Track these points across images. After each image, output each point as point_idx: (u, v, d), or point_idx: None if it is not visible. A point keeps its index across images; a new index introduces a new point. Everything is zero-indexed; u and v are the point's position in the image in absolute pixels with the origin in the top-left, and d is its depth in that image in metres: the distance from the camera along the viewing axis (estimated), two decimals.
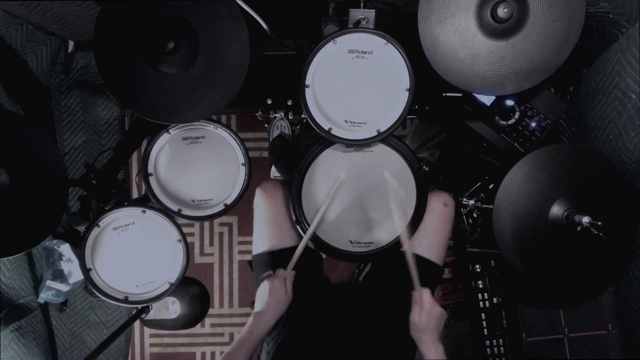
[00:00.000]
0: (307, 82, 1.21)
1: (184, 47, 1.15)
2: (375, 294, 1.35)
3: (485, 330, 1.86)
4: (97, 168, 1.46)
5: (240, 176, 1.40)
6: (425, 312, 1.07)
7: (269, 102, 1.51)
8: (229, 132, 1.38)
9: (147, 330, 2.21)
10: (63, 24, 1.69)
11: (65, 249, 1.95)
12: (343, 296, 1.44)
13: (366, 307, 1.32)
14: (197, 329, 2.18)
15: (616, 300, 1.57)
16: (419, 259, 1.28)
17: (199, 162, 1.40)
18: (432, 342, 1.06)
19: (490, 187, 1.78)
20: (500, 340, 1.85)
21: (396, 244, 1.30)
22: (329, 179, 1.31)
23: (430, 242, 1.31)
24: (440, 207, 1.32)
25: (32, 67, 1.83)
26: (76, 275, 1.97)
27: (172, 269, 1.36)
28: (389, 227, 1.31)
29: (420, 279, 1.14)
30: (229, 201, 1.40)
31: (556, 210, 1.21)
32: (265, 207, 1.37)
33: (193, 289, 2.08)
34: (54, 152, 1.22)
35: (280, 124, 1.56)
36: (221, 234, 2.23)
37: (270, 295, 1.14)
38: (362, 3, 1.31)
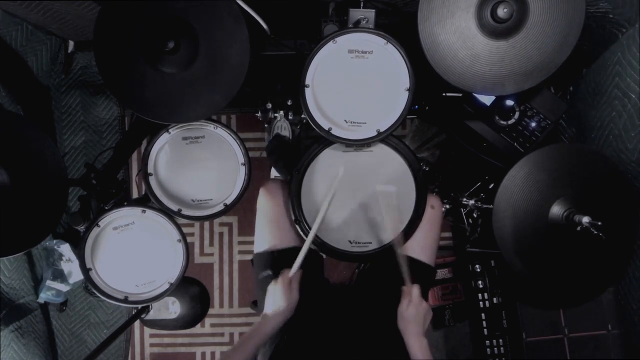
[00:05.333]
0: (307, 82, 1.21)
1: (184, 47, 1.15)
2: (371, 294, 1.35)
3: (485, 330, 1.86)
4: (97, 168, 1.46)
5: (240, 176, 1.40)
6: (413, 305, 1.12)
7: (269, 106, 1.51)
8: (229, 132, 1.38)
9: (147, 330, 2.21)
10: (63, 24, 1.69)
11: (65, 249, 1.95)
12: (341, 297, 1.44)
13: (363, 308, 1.32)
14: (197, 329, 2.18)
15: (616, 300, 1.57)
16: (411, 260, 1.29)
17: (199, 162, 1.40)
18: (416, 334, 1.10)
19: (490, 187, 1.78)
20: (500, 340, 1.85)
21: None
22: (328, 178, 1.31)
23: (420, 245, 1.32)
24: (427, 209, 1.33)
25: (32, 67, 1.83)
26: (76, 275, 1.97)
27: (172, 269, 1.36)
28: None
29: (414, 280, 1.18)
30: (229, 201, 1.40)
31: (556, 210, 1.21)
32: (268, 206, 1.37)
33: (193, 289, 2.07)
34: (54, 152, 1.22)
35: (281, 124, 1.56)
36: (221, 234, 2.23)
37: (276, 298, 1.15)
38: (362, 3, 1.31)
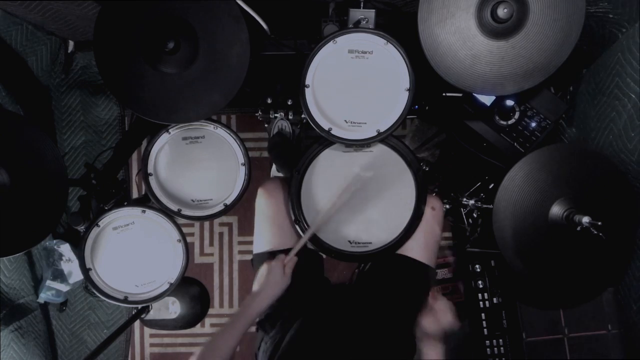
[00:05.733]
0: (307, 82, 1.20)
1: (184, 47, 1.15)
2: (371, 294, 1.35)
3: (485, 330, 1.86)
4: (97, 168, 1.46)
5: (240, 176, 1.40)
6: (438, 323, 1.10)
7: (269, 101, 1.51)
8: (229, 132, 1.38)
9: (147, 330, 2.21)
10: (63, 24, 1.69)
11: (65, 249, 1.95)
12: (342, 297, 1.44)
13: (364, 308, 1.32)
14: (197, 329, 2.18)
15: (616, 300, 1.57)
16: (411, 260, 1.30)
17: (199, 162, 1.40)
18: (432, 343, 1.09)
19: (490, 187, 1.78)
20: (500, 340, 1.85)
21: (395, 243, 1.30)
22: (328, 178, 1.31)
23: (420, 245, 1.32)
24: (428, 210, 1.33)
25: (32, 67, 1.83)
26: (76, 275, 1.97)
27: (172, 269, 1.37)
28: (387, 227, 1.31)
29: (413, 280, 1.19)
30: (228, 201, 1.40)
31: (556, 210, 1.21)
32: (267, 206, 1.36)
33: (193, 289, 2.07)
34: (54, 152, 1.22)
35: (281, 124, 1.56)
36: (221, 234, 2.23)
37: (267, 277, 1.16)
38: (362, 3, 1.31)
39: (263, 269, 1.18)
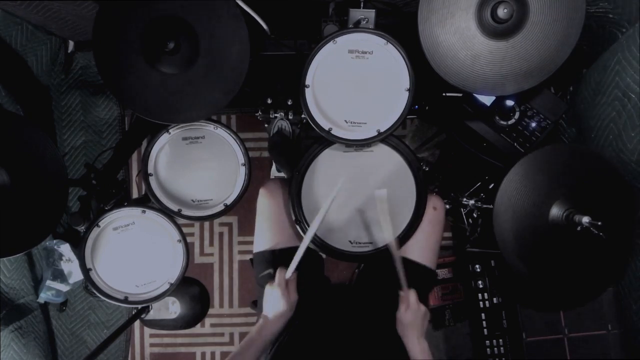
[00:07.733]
0: (307, 82, 1.20)
1: (184, 47, 1.15)
2: (371, 294, 1.35)
3: (485, 330, 1.86)
4: (97, 168, 1.46)
5: (240, 176, 1.40)
6: (411, 310, 1.13)
7: (269, 101, 1.51)
8: (229, 132, 1.38)
9: (147, 330, 2.21)
10: (63, 24, 1.69)
11: (65, 249, 1.95)
12: (342, 296, 1.44)
13: (364, 307, 1.32)
14: (197, 329, 2.18)
15: (616, 300, 1.57)
16: (411, 263, 1.29)
17: (199, 162, 1.40)
18: (416, 337, 1.12)
19: (490, 187, 1.78)
20: (500, 340, 1.85)
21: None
22: (328, 179, 1.31)
23: (421, 246, 1.32)
24: (429, 210, 1.32)
25: (32, 67, 1.82)
26: (76, 275, 1.97)
27: (172, 269, 1.36)
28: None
29: (414, 282, 1.17)
30: (229, 201, 1.40)
31: (556, 210, 1.21)
32: (269, 206, 1.37)
33: (193, 289, 2.07)
34: (54, 152, 1.22)
35: (280, 124, 1.56)
36: (221, 234, 2.23)
37: (278, 301, 1.16)
38: (362, 3, 1.31)
39: (268, 292, 1.19)
